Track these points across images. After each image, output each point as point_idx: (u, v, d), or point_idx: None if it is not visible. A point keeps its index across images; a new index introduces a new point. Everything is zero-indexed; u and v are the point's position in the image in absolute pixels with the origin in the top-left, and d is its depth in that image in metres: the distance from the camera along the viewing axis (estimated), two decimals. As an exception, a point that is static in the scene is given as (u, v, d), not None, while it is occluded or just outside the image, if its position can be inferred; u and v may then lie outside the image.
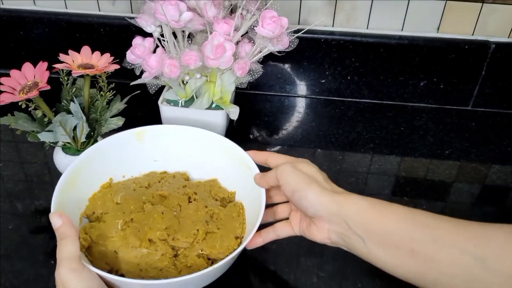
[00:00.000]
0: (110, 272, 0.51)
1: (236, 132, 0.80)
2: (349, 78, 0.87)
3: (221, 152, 0.62)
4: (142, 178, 0.63)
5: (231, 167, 0.61)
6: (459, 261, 0.43)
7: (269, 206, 0.58)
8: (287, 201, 0.57)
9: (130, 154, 0.63)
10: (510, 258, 0.41)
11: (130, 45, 0.67)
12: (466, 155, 0.78)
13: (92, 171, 0.60)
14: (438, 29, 0.84)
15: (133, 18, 0.69)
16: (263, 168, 0.57)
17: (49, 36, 0.88)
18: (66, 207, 0.54)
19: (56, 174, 0.69)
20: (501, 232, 0.43)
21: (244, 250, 0.56)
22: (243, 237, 0.55)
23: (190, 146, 0.64)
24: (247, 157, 0.59)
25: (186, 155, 0.64)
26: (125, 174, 0.64)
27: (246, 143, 0.79)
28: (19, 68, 0.60)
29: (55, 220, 0.50)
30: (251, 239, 0.52)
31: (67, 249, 0.47)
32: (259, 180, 0.55)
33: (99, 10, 0.88)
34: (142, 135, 0.63)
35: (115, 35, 0.86)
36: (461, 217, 0.66)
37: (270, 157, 0.57)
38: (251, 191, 0.57)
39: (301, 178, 0.51)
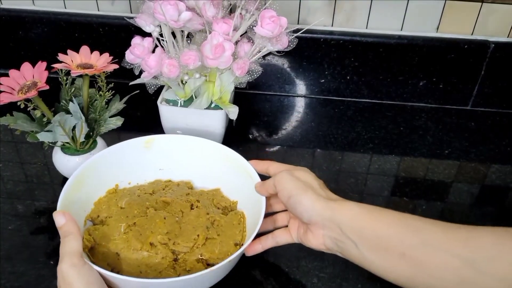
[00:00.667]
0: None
1: (236, 132, 0.80)
2: (348, 77, 0.87)
3: (225, 162, 0.63)
4: (147, 185, 0.65)
5: (234, 177, 0.62)
6: (449, 264, 0.43)
7: (269, 214, 0.59)
8: (286, 210, 0.57)
9: (136, 162, 0.65)
10: (500, 260, 0.42)
11: (129, 44, 0.67)
12: (465, 154, 0.78)
13: (99, 176, 0.61)
14: (438, 29, 0.84)
15: (132, 18, 0.69)
16: (265, 178, 0.57)
17: (48, 36, 0.88)
18: (71, 209, 0.55)
19: (56, 175, 0.69)
20: (490, 234, 0.43)
21: (244, 254, 0.56)
22: (242, 244, 0.56)
23: (195, 156, 0.65)
24: (249, 167, 0.60)
25: (190, 165, 0.66)
26: (131, 181, 0.65)
27: (245, 143, 0.79)
28: (18, 68, 0.60)
29: (59, 218, 0.50)
30: (250, 245, 0.53)
31: (70, 245, 0.48)
32: (259, 188, 0.57)
33: (98, 10, 0.88)
34: (150, 143, 0.65)
35: (114, 34, 0.86)
36: (460, 216, 0.66)
37: (270, 166, 0.58)
38: (252, 201, 0.58)
39: (297, 184, 0.52)
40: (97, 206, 0.60)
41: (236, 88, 0.74)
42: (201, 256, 0.54)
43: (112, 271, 0.52)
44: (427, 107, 0.88)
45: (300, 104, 0.89)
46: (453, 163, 0.76)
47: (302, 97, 0.90)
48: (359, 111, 0.87)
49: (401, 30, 0.84)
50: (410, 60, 0.84)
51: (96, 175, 0.60)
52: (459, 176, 0.74)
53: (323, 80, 0.88)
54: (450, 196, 0.70)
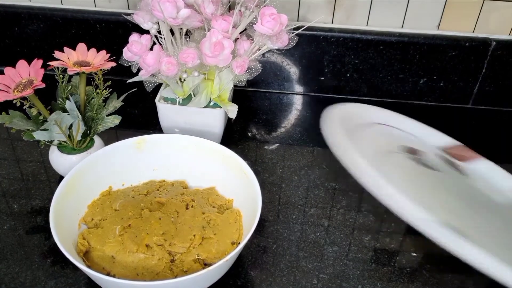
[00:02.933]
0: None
1: (235, 130, 0.79)
2: (348, 75, 0.86)
3: (219, 161, 0.63)
4: (141, 186, 0.64)
5: (229, 175, 0.62)
6: None
7: None
8: None
9: (130, 162, 0.64)
10: None
11: (127, 42, 0.66)
12: (466, 153, 0.77)
13: (92, 178, 0.60)
14: (439, 26, 0.83)
15: (129, 14, 0.68)
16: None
17: (44, 33, 0.87)
18: (64, 212, 0.54)
19: (52, 174, 0.69)
20: None
21: (243, 252, 0.55)
22: (239, 242, 0.56)
23: (189, 155, 0.64)
24: (244, 165, 0.59)
25: (184, 164, 0.65)
26: (125, 182, 0.64)
27: (244, 141, 0.78)
28: (14, 66, 0.59)
29: None
30: None
31: None
32: None
33: (95, 6, 0.87)
34: (142, 144, 0.64)
35: (112, 31, 0.85)
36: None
37: None
38: (248, 198, 0.58)
39: None
40: (90, 209, 0.59)
41: (235, 85, 0.73)
42: (198, 256, 0.54)
43: (108, 275, 0.52)
44: (428, 105, 0.88)
45: (299, 102, 0.88)
46: (454, 162, 0.75)
47: (301, 95, 0.90)
48: (359, 109, 0.86)
49: (402, 27, 0.84)
50: (410, 58, 0.83)
51: (88, 178, 0.60)
52: (460, 175, 0.73)
53: (322, 78, 0.87)
54: (451, 195, 0.70)
